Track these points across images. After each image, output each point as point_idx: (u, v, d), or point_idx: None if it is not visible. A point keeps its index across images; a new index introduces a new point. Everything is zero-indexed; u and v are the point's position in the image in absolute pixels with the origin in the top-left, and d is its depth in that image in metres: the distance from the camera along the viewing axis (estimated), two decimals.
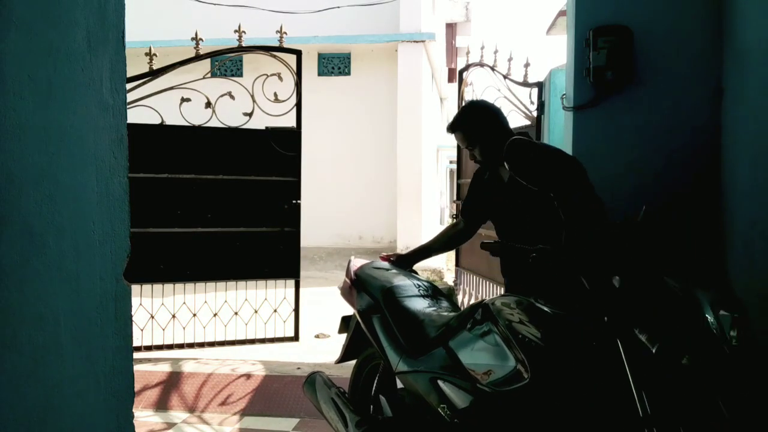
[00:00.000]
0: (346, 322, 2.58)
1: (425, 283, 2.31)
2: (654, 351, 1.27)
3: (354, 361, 2.54)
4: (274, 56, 4.41)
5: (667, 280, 1.37)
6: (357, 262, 2.51)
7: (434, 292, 2.25)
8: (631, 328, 1.32)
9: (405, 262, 2.51)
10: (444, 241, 2.67)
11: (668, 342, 1.27)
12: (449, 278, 8.05)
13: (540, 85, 3.84)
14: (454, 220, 5.00)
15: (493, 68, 4.23)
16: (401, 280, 2.25)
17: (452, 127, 2.37)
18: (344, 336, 2.59)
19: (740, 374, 1.29)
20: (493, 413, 1.53)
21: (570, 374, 1.39)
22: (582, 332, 1.42)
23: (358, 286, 2.35)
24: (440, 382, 1.74)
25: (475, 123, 2.30)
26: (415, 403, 1.90)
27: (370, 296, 2.24)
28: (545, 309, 1.51)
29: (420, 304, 2.12)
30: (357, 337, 2.40)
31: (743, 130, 2.44)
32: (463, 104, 2.55)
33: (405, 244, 10.42)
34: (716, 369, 1.25)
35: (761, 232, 2.24)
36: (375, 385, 2.30)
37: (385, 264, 2.48)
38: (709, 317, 1.27)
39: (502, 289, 4.20)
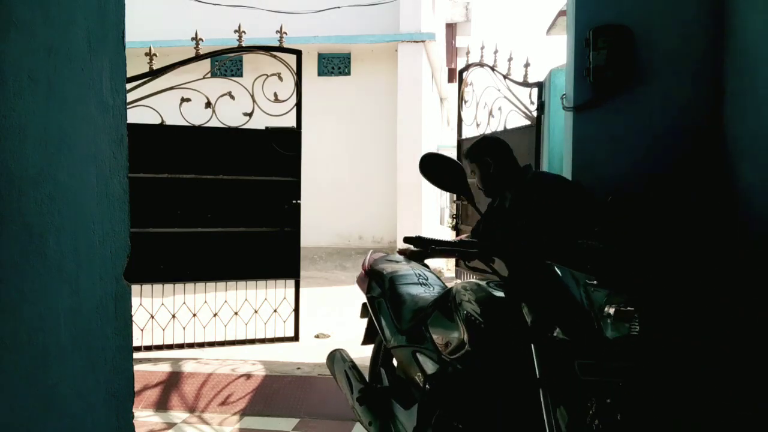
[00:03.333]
0: (365, 308, 2.80)
1: (427, 273, 2.59)
2: (529, 323, 1.56)
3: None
4: (274, 56, 4.41)
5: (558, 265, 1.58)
6: (375, 255, 2.81)
7: (432, 281, 2.54)
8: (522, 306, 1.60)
9: (417, 256, 2.49)
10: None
11: (539, 315, 1.54)
12: (448, 277, 8.06)
13: (540, 85, 3.84)
14: (454, 221, 5.02)
15: (493, 68, 4.22)
16: (405, 270, 2.52)
17: (467, 155, 2.60)
18: (365, 321, 2.88)
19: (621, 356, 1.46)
20: (448, 377, 1.82)
21: (498, 346, 1.66)
22: (511, 314, 1.65)
23: (370, 275, 2.66)
24: (418, 355, 2.08)
25: (488, 152, 2.49)
26: (403, 374, 2.25)
27: (378, 284, 2.55)
28: (492, 292, 1.80)
29: (415, 290, 2.41)
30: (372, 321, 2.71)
31: (743, 129, 2.44)
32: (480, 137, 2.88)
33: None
34: (582, 341, 1.47)
35: (761, 232, 2.24)
36: (379, 359, 2.63)
37: (399, 257, 2.66)
38: (578, 297, 1.49)
39: None
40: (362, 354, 2.96)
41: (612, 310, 1.45)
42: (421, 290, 2.42)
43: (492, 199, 2.58)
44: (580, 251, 1.61)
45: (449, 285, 2.32)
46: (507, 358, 1.61)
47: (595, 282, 1.50)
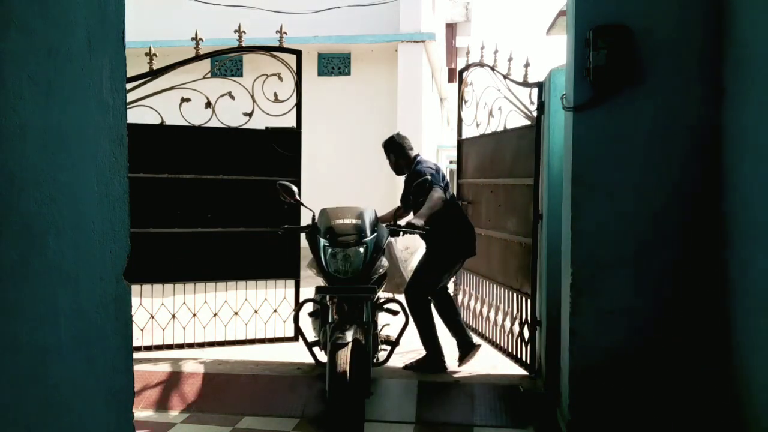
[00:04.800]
0: None
1: None
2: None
3: None
4: (274, 56, 4.41)
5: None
6: None
7: None
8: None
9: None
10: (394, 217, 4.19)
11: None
12: None
13: (540, 85, 3.83)
14: None
15: (493, 68, 4.22)
16: None
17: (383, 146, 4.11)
18: None
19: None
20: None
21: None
22: None
23: None
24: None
25: (391, 148, 4.05)
26: None
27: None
28: None
29: None
30: None
31: (743, 130, 2.44)
32: (389, 136, 4.12)
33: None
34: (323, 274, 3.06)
35: (761, 233, 2.24)
36: None
37: None
38: (321, 252, 3.02)
39: (503, 289, 4.21)
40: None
41: (327, 254, 2.98)
42: None
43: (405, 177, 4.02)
44: (317, 225, 3.17)
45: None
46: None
47: (327, 240, 2.97)
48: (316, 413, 3.37)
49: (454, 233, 3.90)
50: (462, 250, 3.96)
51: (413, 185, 3.53)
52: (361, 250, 2.93)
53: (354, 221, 3.03)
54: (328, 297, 3.09)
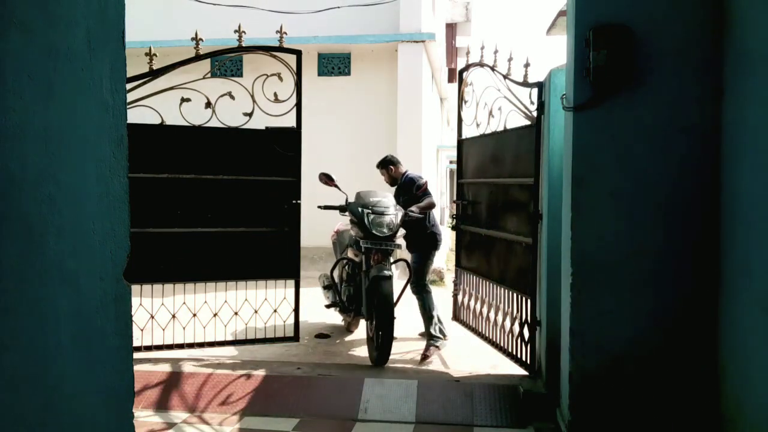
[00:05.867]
0: None
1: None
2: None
3: None
4: (274, 56, 4.41)
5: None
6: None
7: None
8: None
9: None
10: None
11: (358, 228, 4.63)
12: (449, 278, 8.04)
13: (540, 85, 3.83)
14: (454, 221, 5.04)
15: (493, 68, 4.22)
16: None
17: (379, 164, 5.28)
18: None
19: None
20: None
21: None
22: None
23: None
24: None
25: (390, 164, 5.23)
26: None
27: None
28: None
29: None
30: None
31: (743, 130, 2.44)
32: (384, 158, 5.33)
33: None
34: (365, 233, 4.45)
35: (760, 233, 2.24)
36: None
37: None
38: (365, 218, 4.42)
39: (503, 289, 4.21)
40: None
41: (370, 219, 4.38)
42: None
43: (395, 187, 5.18)
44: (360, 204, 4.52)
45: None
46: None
47: (370, 210, 4.40)
48: (316, 413, 3.37)
49: (435, 233, 5.13)
50: (436, 244, 5.10)
51: (416, 185, 4.89)
52: (394, 219, 4.40)
53: (387, 199, 4.56)
54: (362, 252, 4.48)
